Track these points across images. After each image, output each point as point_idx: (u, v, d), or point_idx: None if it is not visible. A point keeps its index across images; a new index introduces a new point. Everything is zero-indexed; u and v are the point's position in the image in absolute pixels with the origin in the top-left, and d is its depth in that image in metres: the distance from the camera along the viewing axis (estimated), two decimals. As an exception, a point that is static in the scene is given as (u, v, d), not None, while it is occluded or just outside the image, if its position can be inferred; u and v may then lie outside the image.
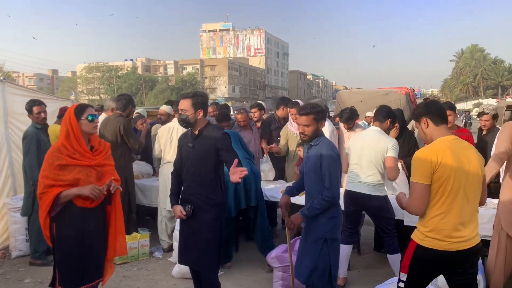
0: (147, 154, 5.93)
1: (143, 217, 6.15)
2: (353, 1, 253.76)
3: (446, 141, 2.48)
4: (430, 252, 2.46)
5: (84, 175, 2.80)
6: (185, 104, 3.19)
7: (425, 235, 2.47)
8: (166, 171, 4.83)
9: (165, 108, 5.88)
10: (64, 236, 2.79)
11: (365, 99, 10.72)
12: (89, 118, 2.86)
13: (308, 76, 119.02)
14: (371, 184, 3.91)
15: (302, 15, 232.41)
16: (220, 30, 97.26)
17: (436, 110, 2.58)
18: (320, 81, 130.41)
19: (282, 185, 5.00)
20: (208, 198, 3.20)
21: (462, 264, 2.49)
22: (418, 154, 2.49)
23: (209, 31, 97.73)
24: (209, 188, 3.20)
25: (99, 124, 5.04)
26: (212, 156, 3.16)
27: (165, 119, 5.69)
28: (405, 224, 4.11)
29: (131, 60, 79.23)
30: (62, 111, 5.36)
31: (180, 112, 3.20)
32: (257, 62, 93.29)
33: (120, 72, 64.20)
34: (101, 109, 7.00)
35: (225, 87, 79.69)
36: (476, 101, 78.39)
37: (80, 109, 2.87)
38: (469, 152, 2.51)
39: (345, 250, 4.13)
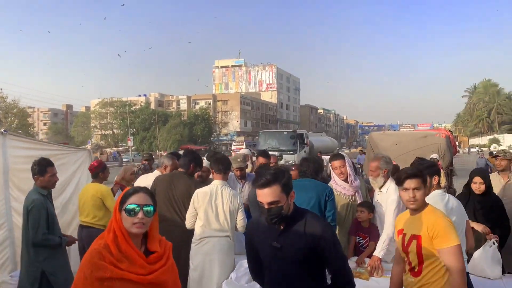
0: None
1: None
2: (363, 35, 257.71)
3: None
4: None
5: None
6: (273, 193, 2.20)
7: None
8: (205, 249, 3.78)
9: (204, 163, 4.64)
10: None
11: (401, 142, 10.20)
12: (126, 208, 1.87)
13: (319, 111, 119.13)
14: None
15: (313, 51, 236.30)
16: (233, 66, 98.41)
17: None
18: (331, 115, 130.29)
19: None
20: None
21: None
22: None
23: (222, 67, 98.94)
24: None
25: (151, 181, 4.07)
26: (312, 259, 2.25)
27: (206, 176, 4.60)
28: None
29: (145, 95, 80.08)
30: (93, 169, 4.57)
31: (267, 206, 2.21)
32: (269, 96, 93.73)
33: (134, 107, 64.59)
34: (97, 148, 6.08)
35: (237, 121, 79.71)
36: (491, 136, 77.44)
37: (126, 195, 1.93)
38: None
39: None
